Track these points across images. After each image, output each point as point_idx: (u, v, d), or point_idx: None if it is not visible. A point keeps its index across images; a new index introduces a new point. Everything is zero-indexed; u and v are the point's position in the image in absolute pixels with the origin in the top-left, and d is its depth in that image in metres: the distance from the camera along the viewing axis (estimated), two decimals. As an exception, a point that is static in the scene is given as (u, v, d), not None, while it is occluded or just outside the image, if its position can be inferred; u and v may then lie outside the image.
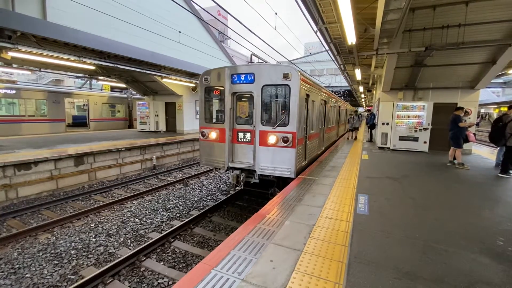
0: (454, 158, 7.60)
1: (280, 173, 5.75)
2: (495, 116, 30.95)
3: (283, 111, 5.74)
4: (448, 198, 4.87)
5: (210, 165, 6.66)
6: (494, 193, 5.32)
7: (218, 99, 6.43)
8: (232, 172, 6.24)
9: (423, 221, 3.71)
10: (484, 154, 10.19)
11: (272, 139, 5.68)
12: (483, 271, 2.55)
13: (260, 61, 6.82)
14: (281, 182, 6.23)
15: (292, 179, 5.72)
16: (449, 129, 7.53)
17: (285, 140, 5.55)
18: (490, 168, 7.54)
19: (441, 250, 2.91)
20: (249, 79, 5.80)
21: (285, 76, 5.45)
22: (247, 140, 6.06)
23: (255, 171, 5.98)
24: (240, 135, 6.13)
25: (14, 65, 12.15)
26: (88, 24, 13.13)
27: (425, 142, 9.99)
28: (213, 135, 6.38)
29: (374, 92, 18.86)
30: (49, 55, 8.45)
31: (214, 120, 6.55)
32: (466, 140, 7.66)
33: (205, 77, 6.35)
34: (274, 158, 5.74)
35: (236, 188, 6.31)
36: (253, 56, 6.75)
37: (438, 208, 4.26)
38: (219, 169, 6.67)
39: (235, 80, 5.96)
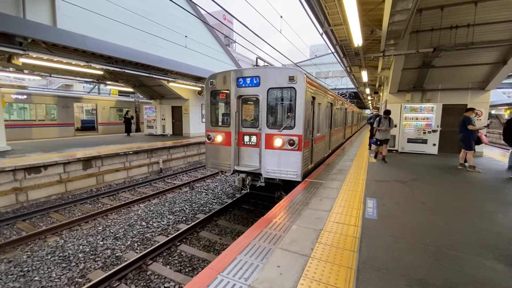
0: (465, 161, 7.42)
1: (286, 176, 5.70)
2: (506, 117, 30.31)
3: (289, 114, 5.71)
4: (460, 202, 4.75)
5: (216, 168, 6.65)
6: (507, 196, 5.16)
7: (224, 102, 6.43)
8: (238, 175, 6.22)
9: (434, 226, 3.61)
10: (495, 156, 9.93)
11: (278, 142, 5.65)
12: (498, 278, 2.45)
13: (266, 64, 6.82)
14: (288, 186, 6.16)
15: (298, 182, 5.66)
16: (459, 131, 7.38)
17: (291, 143, 5.51)
18: (502, 170, 7.33)
19: (453, 256, 2.82)
20: (255, 82, 5.80)
21: (291, 78, 5.43)
22: (253, 143, 6.04)
23: (261, 174, 5.95)
24: (246, 138, 6.11)
25: (25, 71, 12.46)
26: (96, 30, 13.41)
27: (434, 145, 9.80)
28: (219, 138, 6.38)
29: (381, 94, 18.65)
30: (59, 60, 8.65)
31: (220, 124, 6.57)
32: (479, 141, 7.49)
33: (211, 80, 6.38)
34: (280, 161, 5.70)
35: (242, 191, 6.28)
36: (258, 59, 6.75)
37: (450, 213, 4.15)
38: (225, 172, 6.67)
39: (240, 83, 5.96)
